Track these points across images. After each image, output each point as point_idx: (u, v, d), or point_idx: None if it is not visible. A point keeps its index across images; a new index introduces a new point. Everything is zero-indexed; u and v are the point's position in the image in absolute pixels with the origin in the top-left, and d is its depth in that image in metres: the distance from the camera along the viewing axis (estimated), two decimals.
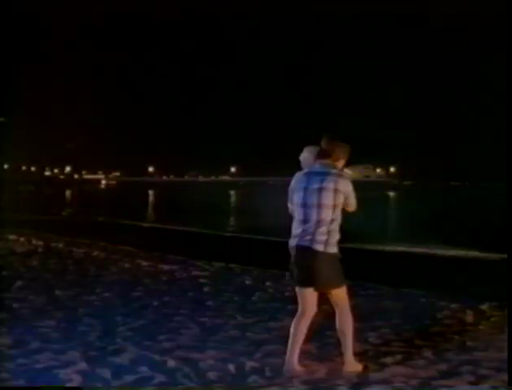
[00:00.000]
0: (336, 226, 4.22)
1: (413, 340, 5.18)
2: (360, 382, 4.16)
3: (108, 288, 7.29)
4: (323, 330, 5.44)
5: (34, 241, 12.67)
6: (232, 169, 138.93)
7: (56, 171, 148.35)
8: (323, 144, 4.28)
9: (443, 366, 4.46)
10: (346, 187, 4.22)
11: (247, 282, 8.10)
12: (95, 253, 10.90)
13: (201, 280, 8.06)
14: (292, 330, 4.36)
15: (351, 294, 7.18)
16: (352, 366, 4.33)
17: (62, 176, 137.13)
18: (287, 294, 7.22)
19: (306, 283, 4.27)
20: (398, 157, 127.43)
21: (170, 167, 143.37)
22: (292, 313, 6.10)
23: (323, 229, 4.16)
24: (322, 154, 4.25)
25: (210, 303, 6.57)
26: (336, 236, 4.25)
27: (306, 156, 4.36)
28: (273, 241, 15.98)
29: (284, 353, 4.69)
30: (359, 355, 4.70)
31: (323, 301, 6.72)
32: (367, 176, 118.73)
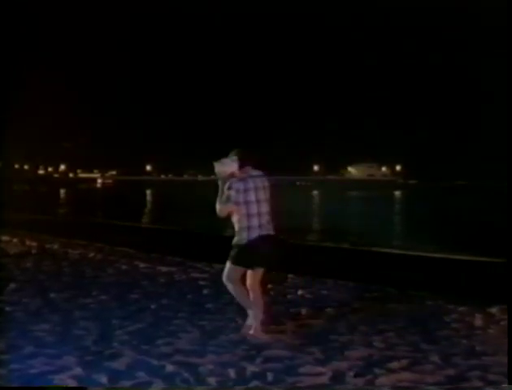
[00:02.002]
0: None
1: (419, 345, 5.16)
2: (365, 387, 4.16)
3: (105, 291, 7.28)
4: (326, 334, 5.44)
5: (28, 242, 12.67)
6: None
7: (50, 169, 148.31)
8: (244, 155, 5.33)
9: (450, 372, 4.45)
10: None
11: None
12: (91, 255, 10.89)
13: (201, 282, 8.05)
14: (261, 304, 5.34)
15: (355, 296, 7.28)
16: (258, 333, 5.23)
17: (56, 175, 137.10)
18: (289, 297, 7.23)
19: (264, 263, 5.34)
20: (404, 155, 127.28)
21: (168, 166, 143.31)
22: (294, 316, 6.14)
23: (270, 218, 5.35)
24: (247, 163, 5.32)
25: (209, 306, 6.56)
26: None
27: (231, 165, 5.27)
28: None
29: (287, 358, 4.70)
30: (363, 359, 4.71)
31: (326, 305, 6.75)
32: (371, 175, 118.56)
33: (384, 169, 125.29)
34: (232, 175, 5.27)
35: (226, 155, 5.42)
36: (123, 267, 9.39)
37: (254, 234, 5.22)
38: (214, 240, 16.74)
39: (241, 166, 5.28)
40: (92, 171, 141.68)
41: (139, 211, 32.34)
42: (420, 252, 14.17)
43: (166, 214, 30.00)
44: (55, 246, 12.24)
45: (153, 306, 6.50)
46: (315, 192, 65.00)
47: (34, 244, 12.43)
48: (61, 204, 44.02)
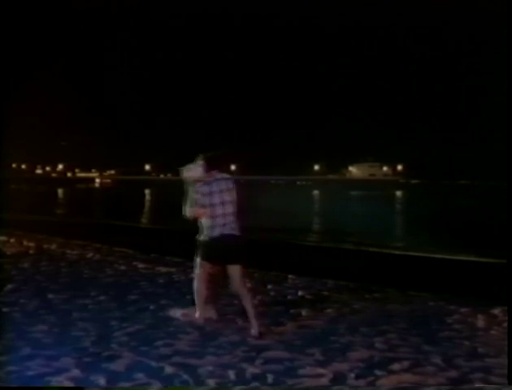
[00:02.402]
0: None
1: (421, 346, 5.16)
2: (366, 389, 4.15)
3: (103, 292, 7.27)
4: (327, 335, 5.44)
5: (26, 242, 12.67)
6: (233, 167, 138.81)
7: (48, 168, 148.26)
8: (210, 160, 5.69)
9: (453, 373, 4.45)
10: None
11: (248, 285, 8.06)
12: (89, 255, 10.89)
13: None
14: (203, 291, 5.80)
15: (356, 297, 7.28)
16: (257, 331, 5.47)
17: (54, 174, 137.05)
18: (289, 298, 7.22)
19: (229, 261, 5.64)
20: (405, 155, 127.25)
21: (167, 166, 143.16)
22: (295, 316, 6.14)
23: (235, 218, 5.68)
24: (212, 167, 5.68)
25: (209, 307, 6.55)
26: None
27: (197, 170, 5.68)
28: (275, 242, 15.98)
29: (287, 360, 4.70)
30: (364, 361, 4.71)
31: (326, 306, 6.75)
32: (372, 175, 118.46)
33: (385, 168, 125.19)
34: (198, 180, 5.67)
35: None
36: (122, 268, 9.39)
37: (216, 232, 5.61)
38: None
39: (207, 171, 5.67)
40: (90, 171, 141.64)
41: (138, 211, 32.32)
42: (421, 252, 14.18)
43: (165, 214, 29.97)
44: (53, 246, 12.23)
45: (152, 307, 6.50)
46: (316, 192, 64.97)
47: (32, 244, 12.42)
48: (59, 204, 44.01)
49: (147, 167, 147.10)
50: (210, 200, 5.61)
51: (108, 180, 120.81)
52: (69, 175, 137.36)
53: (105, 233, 17.26)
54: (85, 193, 66.07)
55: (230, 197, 5.67)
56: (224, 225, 5.61)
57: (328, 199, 51.27)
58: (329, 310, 6.49)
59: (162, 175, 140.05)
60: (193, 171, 5.73)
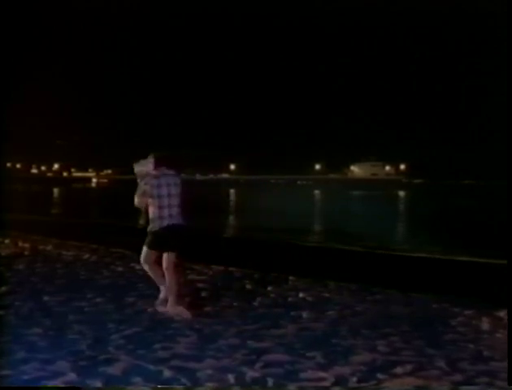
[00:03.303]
0: None
1: (424, 349, 5.14)
2: None
3: (100, 293, 7.25)
4: (328, 337, 5.42)
5: (21, 243, 12.64)
6: (232, 167, 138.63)
7: (43, 168, 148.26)
8: (159, 157, 6.41)
9: (457, 377, 4.42)
10: None
11: (248, 286, 8.08)
12: (86, 256, 10.87)
13: (199, 285, 8.03)
14: (174, 283, 6.26)
15: (357, 299, 7.26)
16: (174, 306, 6.20)
17: (50, 174, 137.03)
18: (290, 299, 7.20)
19: (173, 247, 6.27)
20: (408, 154, 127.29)
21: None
22: (296, 319, 6.12)
23: (180, 210, 6.34)
24: (161, 164, 6.38)
25: (208, 309, 6.55)
26: None
27: (147, 165, 6.41)
28: (275, 242, 15.98)
29: (288, 363, 4.68)
30: (366, 364, 4.69)
31: (328, 308, 6.73)
32: (375, 174, 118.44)
33: (387, 168, 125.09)
34: (148, 173, 6.34)
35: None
36: (119, 269, 9.38)
37: (164, 223, 6.24)
38: (212, 242, 16.74)
39: (156, 166, 6.35)
40: (86, 170, 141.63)
41: (135, 211, 32.30)
42: (424, 253, 14.17)
43: None
44: (48, 247, 12.21)
45: (150, 309, 6.47)
46: (316, 192, 65.01)
47: (27, 245, 12.40)
48: (54, 204, 44.00)
49: None
50: (158, 191, 6.25)
51: (105, 180, 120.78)
52: (65, 174, 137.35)
53: (101, 234, 17.24)
54: (82, 193, 66.06)
55: (176, 190, 6.32)
56: (171, 216, 6.25)
57: (329, 199, 51.29)
58: (330, 312, 6.47)
59: None
60: (144, 166, 6.43)
